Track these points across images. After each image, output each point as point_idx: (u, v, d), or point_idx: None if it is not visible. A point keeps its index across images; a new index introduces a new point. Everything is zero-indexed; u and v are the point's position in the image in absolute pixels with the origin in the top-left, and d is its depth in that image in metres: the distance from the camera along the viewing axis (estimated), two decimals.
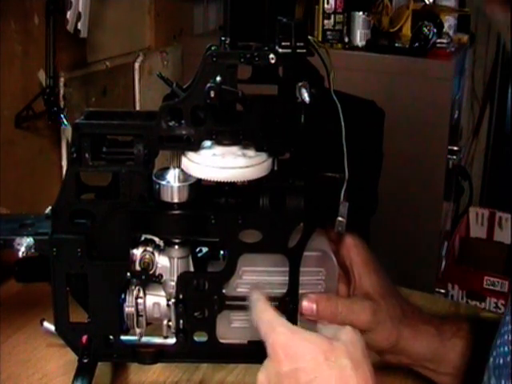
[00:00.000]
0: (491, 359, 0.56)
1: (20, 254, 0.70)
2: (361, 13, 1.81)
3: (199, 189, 0.68)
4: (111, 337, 0.72)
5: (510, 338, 0.54)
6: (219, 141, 0.65)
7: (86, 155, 0.66)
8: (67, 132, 1.37)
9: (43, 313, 0.76)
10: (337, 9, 1.84)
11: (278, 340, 0.59)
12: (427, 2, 1.92)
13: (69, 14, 1.30)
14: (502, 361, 0.54)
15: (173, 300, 0.70)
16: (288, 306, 0.68)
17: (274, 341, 0.59)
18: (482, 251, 2.33)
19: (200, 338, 0.71)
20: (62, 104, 1.37)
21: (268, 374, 0.58)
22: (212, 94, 0.61)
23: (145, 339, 0.73)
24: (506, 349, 0.54)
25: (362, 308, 0.69)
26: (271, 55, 0.62)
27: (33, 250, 0.70)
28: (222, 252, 0.72)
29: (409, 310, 0.73)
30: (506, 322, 0.56)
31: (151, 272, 0.70)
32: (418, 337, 0.71)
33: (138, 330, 0.71)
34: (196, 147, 0.65)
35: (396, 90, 1.70)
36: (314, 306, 0.68)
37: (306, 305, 0.68)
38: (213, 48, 0.64)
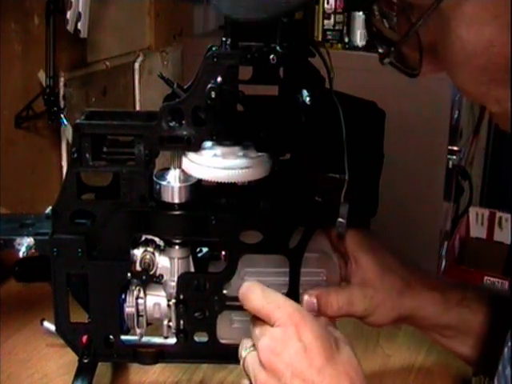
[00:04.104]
0: (506, 349, 0.56)
1: (20, 254, 0.70)
2: (361, 13, 1.82)
3: (200, 189, 0.68)
4: (111, 337, 0.72)
5: None
6: (220, 141, 0.65)
7: (87, 155, 0.66)
8: (67, 132, 1.38)
9: (43, 313, 0.76)
10: (337, 9, 1.84)
11: (291, 316, 0.60)
12: None
13: (69, 14, 1.30)
14: None
15: (173, 300, 0.70)
16: None
17: (287, 316, 0.60)
18: (481, 251, 2.32)
19: (200, 338, 0.71)
20: (62, 104, 1.37)
21: (274, 339, 0.59)
22: (213, 94, 0.61)
23: (145, 339, 0.73)
24: None
25: (360, 298, 0.69)
26: (272, 55, 0.62)
27: (33, 250, 0.70)
28: (222, 252, 0.72)
29: (412, 278, 0.72)
30: None
31: (151, 272, 0.70)
32: (422, 304, 0.71)
33: (138, 330, 0.71)
34: (197, 148, 0.65)
35: (396, 90, 1.70)
36: (315, 301, 0.68)
37: (308, 299, 0.68)
38: (213, 48, 0.64)
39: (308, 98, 0.61)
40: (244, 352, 0.62)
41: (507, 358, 0.56)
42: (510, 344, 0.56)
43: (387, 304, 0.70)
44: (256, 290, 0.64)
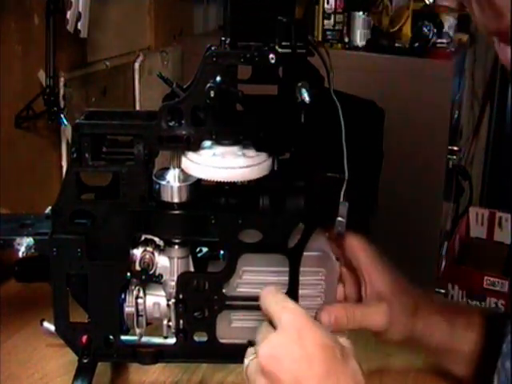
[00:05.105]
0: (504, 345, 0.56)
1: (20, 254, 0.70)
2: (361, 13, 1.82)
3: (199, 189, 0.68)
4: (111, 337, 0.72)
5: None
6: (219, 141, 0.65)
7: (86, 155, 0.66)
8: (67, 132, 1.38)
9: (43, 313, 0.76)
10: (337, 9, 1.84)
11: (294, 320, 0.59)
12: (427, 2, 1.92)
13: (69, 14, 1.30)
14: None
15: (173, 300, 0.70)
16: None
17: (291, 320, 0.59)
18: (481, 251, 2.33)
19: (200, 338, 0.71)
20: (62, 104, 1.37)
21: (275, 344, 0.58)
22: (212, 94, 0.61)
23: (145, 339, 0.73)
24: None
25: (377, 312, 0.70)
26: (271, 55, 0.62)
27: (33, 250, 0.70)
28: (221, 252, 0.72)
29: (421, 302, 0.73)
30: None
31: (151, 272, 0.70)
32: (429, 328, 0.72)
33: (137, 330, 0.71)
34: (196, 147, 0.65)
35: (396, 89, 1.70)
36: (332, 318, 0.68)
37: (325, 318, 0.68)
38: (213, 48, 0.64)
39: (307, 98, 0.61)
40: (247, 360, 0.62)
41: (506, 352, 0.56)
42: (509, 338, 0.56)
43: (401, 321, 0.71)
44: (270, 292, 0.64)
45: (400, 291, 0.71)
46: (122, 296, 0.70)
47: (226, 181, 0.65)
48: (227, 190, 0.68)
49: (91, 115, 0.69)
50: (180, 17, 1.93)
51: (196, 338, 0.71)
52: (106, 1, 1.52)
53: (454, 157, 1.82)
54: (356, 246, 0.72)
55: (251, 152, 0.66)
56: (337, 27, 1.85)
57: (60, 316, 0.71)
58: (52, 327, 0.74)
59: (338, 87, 0.64)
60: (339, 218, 0.64)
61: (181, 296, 0.69)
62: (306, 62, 0.63)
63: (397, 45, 1.82)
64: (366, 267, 0.71)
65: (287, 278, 0.69)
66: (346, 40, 1.85)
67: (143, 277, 0.70)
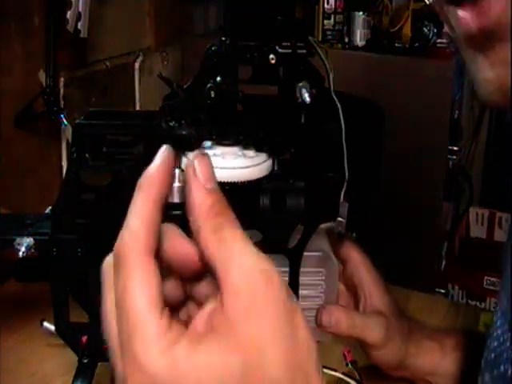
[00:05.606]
0: (483, 361, 0.57)
1: (20, 254, 0.70)
2: (361, 13, 1.82)
3: None
4: None
5: (499, 332, 0.55)
6: (219, 141, 0.65)
7: (86, 155, 0.66)
8: (67, 132, 1.38)
9: (43, 313, 0.76)
10: (337, 9, 1.84)
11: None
12: (427, 2, 1.92)
13: (69, 14, 1.30)
14: (493, 355, 0.55)
15: None
16: None
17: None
18: (482, 251, 2.32)
19: None
20: (62, 104, 1.37)
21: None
22: (212, 94, 0.61)
23: None
24: (496, 343, 0.55)
25: (377, 323, 0.70)
26: (271, 55, 0.62)
27: (33, 250, 0.70)
28: None
29: (413, 326, 0.74)
30: (495, 321, 0.56)
31: None
32: (421, 353, 0.72)
33: None
34: (196, 147, 0.65)
35: (396, 90, 1.70)
36: (333, 319, 0.68)
37: (326, 318, 0.68)
38: (213, 48, 0.64)
39: (307, 98, 0.61)
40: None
41: (484, 366, 0.56)
42: (485, 354, 0.57)
43: (397, 341, 0.71)
44: (209, 210, 0.40)
45: (397, 314, 0.72)
46: None
47: (226, 181, 0.65)
48: (227, 190, 0.68)
49: (91, 115, 0.69)
50: (180, 17, 1.93)
51: None
52: (106, 1, 1.52)
53: (454, 157, 1.82)
54: (360, 264, 0.72)
55: (251, 152, 0.66)
56: (337, 27, 1.85)
57: (60, 316, 0.71)
58: (52, 327, 0.74)
59: (338, 87, 0.64)
60: (339, 218, 0.64)
61: None
62: (306, 62, 0.63)
63: (397, 45, 1.82)
64: (369, 286, 0.72)
65: (287, 279, 0.68)
66: (346, 40, 1.85)
67: None
